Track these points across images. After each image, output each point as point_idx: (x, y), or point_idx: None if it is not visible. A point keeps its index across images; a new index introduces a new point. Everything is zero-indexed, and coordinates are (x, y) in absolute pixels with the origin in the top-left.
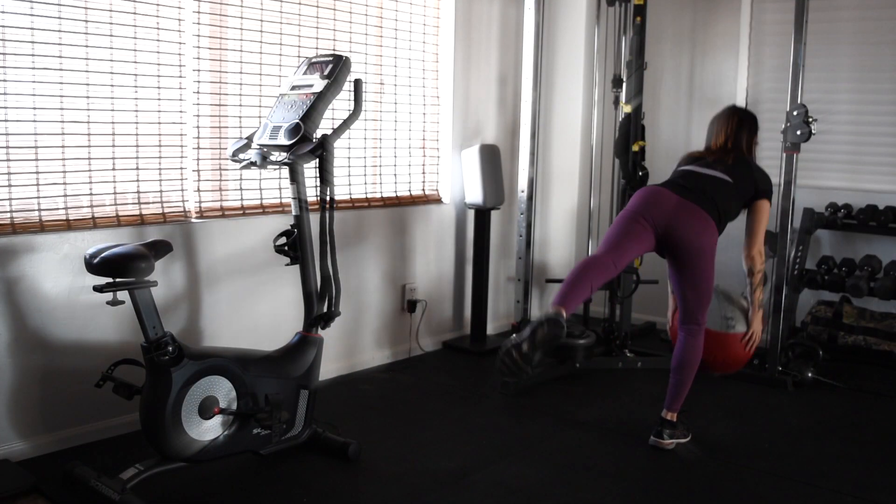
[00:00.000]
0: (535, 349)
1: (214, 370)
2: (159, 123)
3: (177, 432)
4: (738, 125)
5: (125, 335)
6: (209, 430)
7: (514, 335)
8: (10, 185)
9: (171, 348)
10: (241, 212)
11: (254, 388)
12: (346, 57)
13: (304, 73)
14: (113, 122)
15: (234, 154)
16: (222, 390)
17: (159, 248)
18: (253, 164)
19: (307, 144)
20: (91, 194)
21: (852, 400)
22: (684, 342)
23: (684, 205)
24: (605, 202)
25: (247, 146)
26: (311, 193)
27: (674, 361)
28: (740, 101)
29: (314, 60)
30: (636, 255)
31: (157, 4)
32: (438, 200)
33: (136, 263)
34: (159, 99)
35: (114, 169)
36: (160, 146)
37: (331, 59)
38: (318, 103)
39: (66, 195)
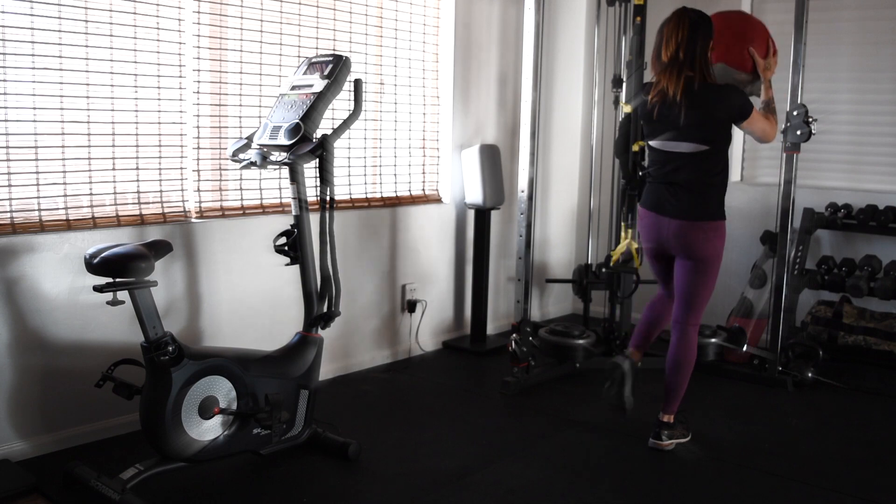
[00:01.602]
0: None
1: (214, 370)
2: (159, 123)
3: (177, 432)
4: (692, 30)
5: (125, 335)
6: (209, 430)
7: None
8: (10, 185)
9: (171, 348)
10: (241, 212)
11: (254, 388)
12: (346, 57)
13: (304, 73)
14: (113, 122)
15: (234, 154)
16: (222, 390)
17: (159, 248)
18: (253, 164)
19: (307, 144)
20: (91, 194)
21: (852, 400)
22: (677, 342)
23: (681, 226)
24: (605, 202)
25: (247, 146)
26: (311, 193)
27: (669, 363)
28: None
29: (314, 60)
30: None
31: (157, 4)
32: (438, 200)
33: (136, 263)
34: (159, 99)
35: (114, 169)
36: (160, 146)
37: (331, 59)
38: (318, 103)
39: (66, 195)
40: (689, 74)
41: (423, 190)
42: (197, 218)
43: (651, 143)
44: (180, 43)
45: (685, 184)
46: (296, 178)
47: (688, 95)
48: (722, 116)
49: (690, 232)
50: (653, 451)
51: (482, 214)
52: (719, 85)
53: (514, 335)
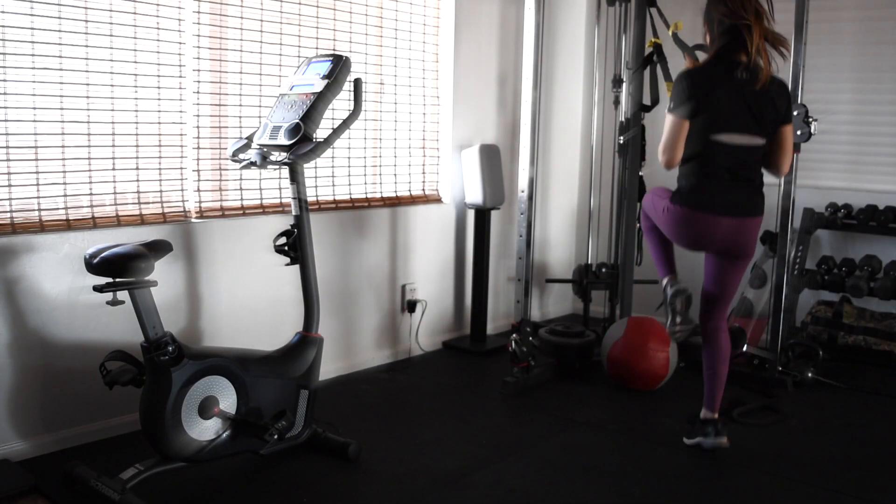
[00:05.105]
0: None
1: (214, 370)
2: (159, 123)
3: (176, 432)
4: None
5: (125, 335)
6: (209, 429)
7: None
8: (10, 185)
9: (170, 348)
10: (241, 212)
11: (254, 388)
12: (345, 57)
13: (304, 73)
14: (113, 122)
15: (234, 154)
16: (222, 390)
17: (159, 248)
18: (253, 164)
19: (307, 144)
20: (91, 194)
21: (852, 400)
22: (721, 336)
23: (736, 224)
24: (605, 202)
25: (247, 146)
26: (312, 194)
27: (718, 358)
28: None
29: (314, 60)
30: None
31: (157, 4)
32: (438, 200)
33: (136, 263)
34: (159, 99)
35: (114, 169)
36: (160, 146)
37: (331, 59)
38: (318, 103)
39: (66, 195)
40: (766, 77)
41: (423, 190)
42: (197, 218)
43: (718, 137)
44: (180, 43)
45: (749, 177)
46: (296, 178)
47: (770, 83)
48: (781, 107)
49: (752, 230)
50: (652, 452)
51: (482, 214)
52: (780, 82)
53: (514, 335)
